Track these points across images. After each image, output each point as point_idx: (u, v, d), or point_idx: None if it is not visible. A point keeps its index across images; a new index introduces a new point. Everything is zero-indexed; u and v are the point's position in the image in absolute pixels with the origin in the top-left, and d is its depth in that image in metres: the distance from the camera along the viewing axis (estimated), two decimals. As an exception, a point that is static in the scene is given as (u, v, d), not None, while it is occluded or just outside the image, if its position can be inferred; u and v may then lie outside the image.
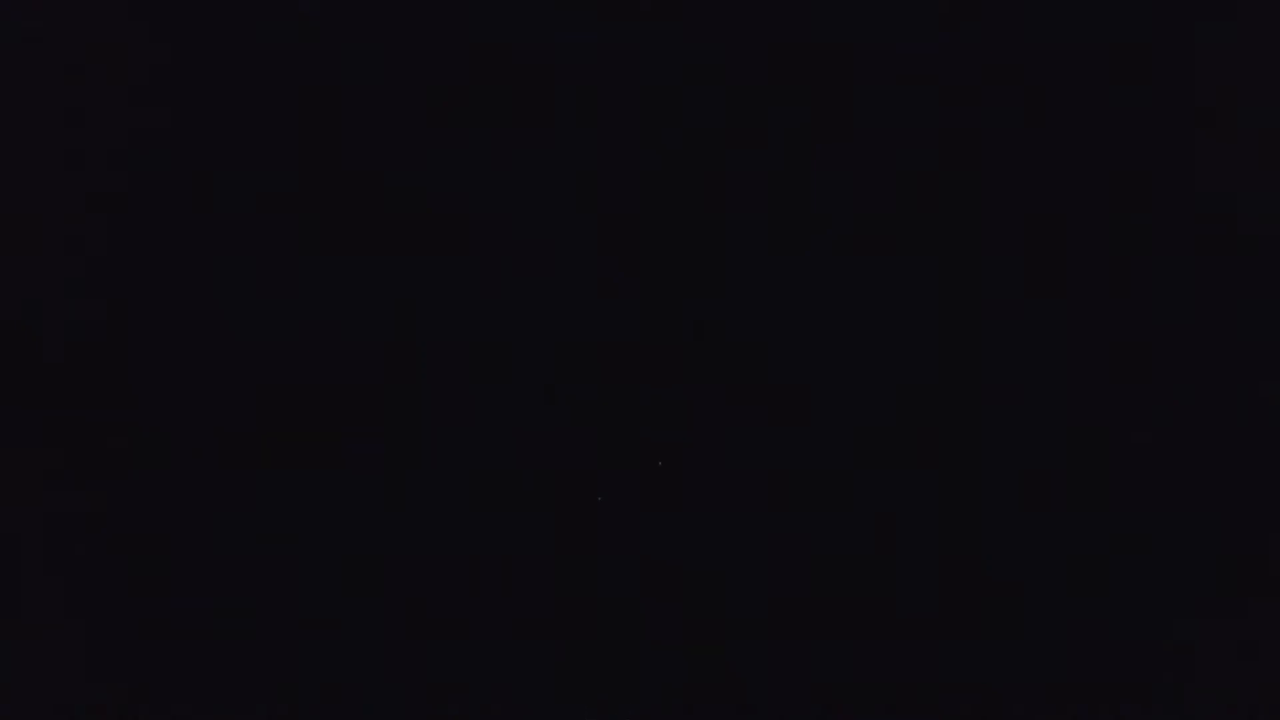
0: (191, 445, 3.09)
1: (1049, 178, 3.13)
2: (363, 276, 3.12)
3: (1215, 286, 3.11)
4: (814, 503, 3.10)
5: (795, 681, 3.07)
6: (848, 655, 3.07)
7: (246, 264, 3.12)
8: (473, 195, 3.14)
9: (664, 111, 3.14)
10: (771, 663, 3.07)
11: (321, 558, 3.08)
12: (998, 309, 3.11)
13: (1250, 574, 3.07)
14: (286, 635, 3.07)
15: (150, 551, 3.08)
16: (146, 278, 3.12)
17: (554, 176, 3.14)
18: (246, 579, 3.08)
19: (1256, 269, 3.11)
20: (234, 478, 3.09)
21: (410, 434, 3.11)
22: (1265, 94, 3.14)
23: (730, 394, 3.12)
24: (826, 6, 3.15)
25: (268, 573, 3.08)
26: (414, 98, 3.14)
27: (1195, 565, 3.08)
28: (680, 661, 3.08)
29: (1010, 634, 3.06)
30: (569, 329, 3.13)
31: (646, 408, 3.12)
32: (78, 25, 3.15)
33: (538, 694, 3.07)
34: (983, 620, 3.07)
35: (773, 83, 3.14)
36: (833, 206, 3.14)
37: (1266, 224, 3.12)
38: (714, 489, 3.11)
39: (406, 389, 3.11)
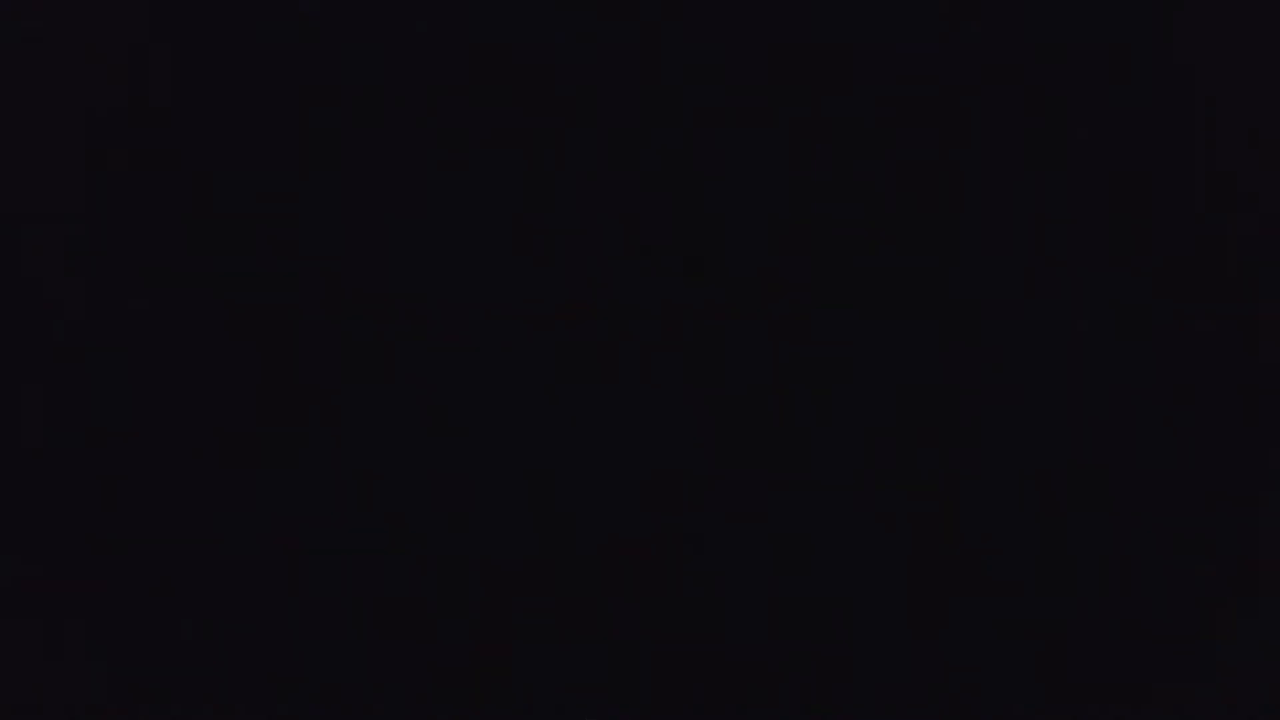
0: (191, 442, 3.11)
1: (1046, 179, 3.14)
2: (359, 274, 3.14)
3: (1215, 286, 3.12)
4: (813, 502, 3.11)
5: (795, 682, 3.08)
6: (847, 656, 3.08)
7: (240, 262, 3.13)
8: (464, 193, 3.16)
9: (662, 111, 3.16)
10: (770, 663, 3.08)
11: (316, 558, 3.09)
12: (996, 310, 3.12)
13: (1251, 574, 3.08)
14: (284, 636, 3.08)
15: (147, 548, 3.09)
16: (138, 273, 3.13)
17: (551, 177, 3.15)
18: (245, 579, 3.09)
19: (1258, 269, 3.12)
20: (232, 477, 3.10)
21: (408, 432, 3.12)
22: (1266, 94, 3.15)
23: (729, 394, 3.13)
24: (826, 7, 3.16)
25: (264, 573, 3.09)
26: (410, 96, 3.15)
27: (1197, 566, 3.08)
28: (680, 663, 3.09)
29: (1010, 635, 3.07)
30: (569, 330, 3.14)
31: (646, 407, 3.13)
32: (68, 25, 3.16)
33: (536, 694, 3.08)
34: (982, 621, 3.07)
35: (773, 82, 3.15)
36: (832, 207, 3.15)
37: (1268, 225, 3.13)
38: (713, 489, 3.12)
39: (403, 389, 3.12)
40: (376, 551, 3.10)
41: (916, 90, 3.14)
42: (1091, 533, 3.09)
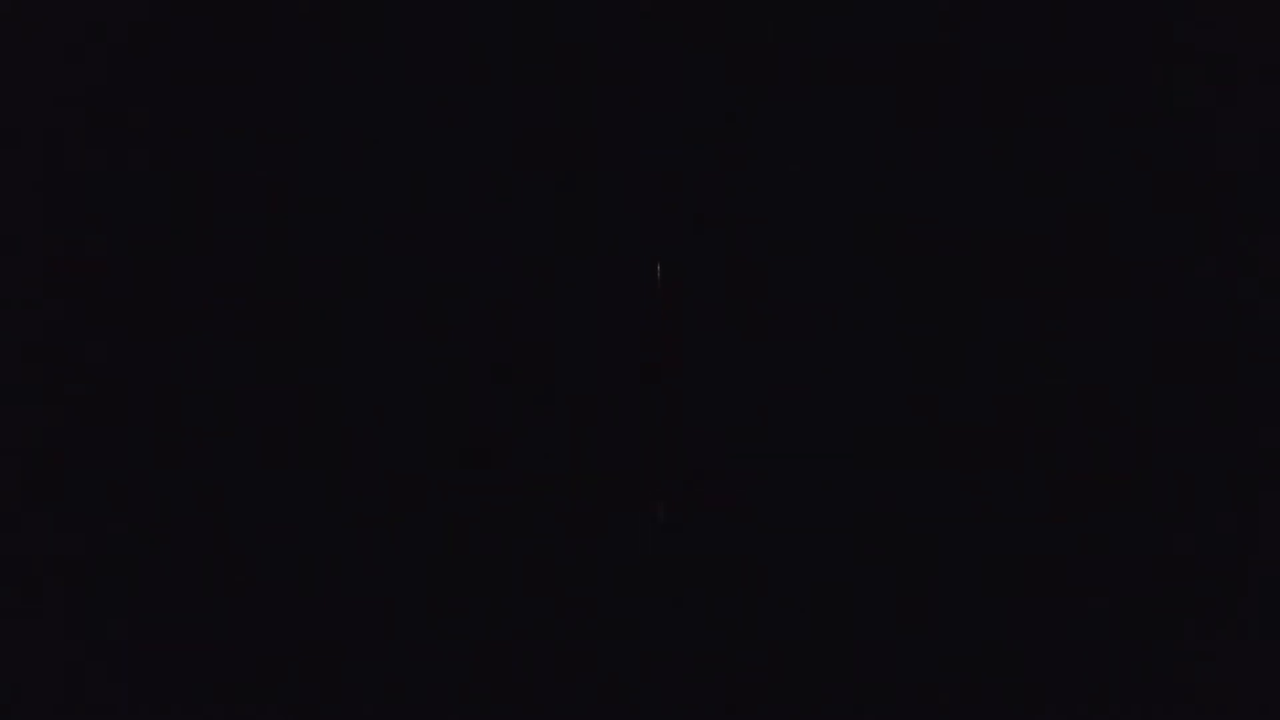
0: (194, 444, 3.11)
1: (1043, 183, 3.14)
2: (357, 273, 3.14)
3: (1215, 289, 3.12)
4: (813, 502, 3.12)
5: (794, 682, 3.08)
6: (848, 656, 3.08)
7: (235, 265, 3.14)
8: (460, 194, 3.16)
9: (665, 113, 3.16)
10: (771, 665, 3.09)
11: (315, 561, 3.10)
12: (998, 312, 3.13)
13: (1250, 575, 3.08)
14: (286, 637, 3.09)
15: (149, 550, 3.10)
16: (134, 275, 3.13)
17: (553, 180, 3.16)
18: (246, 582, 3.10)
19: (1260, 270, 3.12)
20: (233, 480, 3.11)
21: (409, 435, 3.12)
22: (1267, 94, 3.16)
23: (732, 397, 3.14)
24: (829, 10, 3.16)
25: (265, 574, 3.10)
26: (408, 101, 3.16)
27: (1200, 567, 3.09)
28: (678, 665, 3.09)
29: (1013, 636, 3.08)
30: (571, 333, 3.15)
31: (646, 409, 3.14)
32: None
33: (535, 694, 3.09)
34: (982, 622, 3.08)
35: (777, 81, 3.16)
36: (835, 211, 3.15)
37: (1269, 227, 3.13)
38: (713, 489, 3.13)
39: (405, 392, 3.13)
40: (376, 550, 3.11)
41: (916, 89, 3.15)
42: (1091, 533, 3.09)
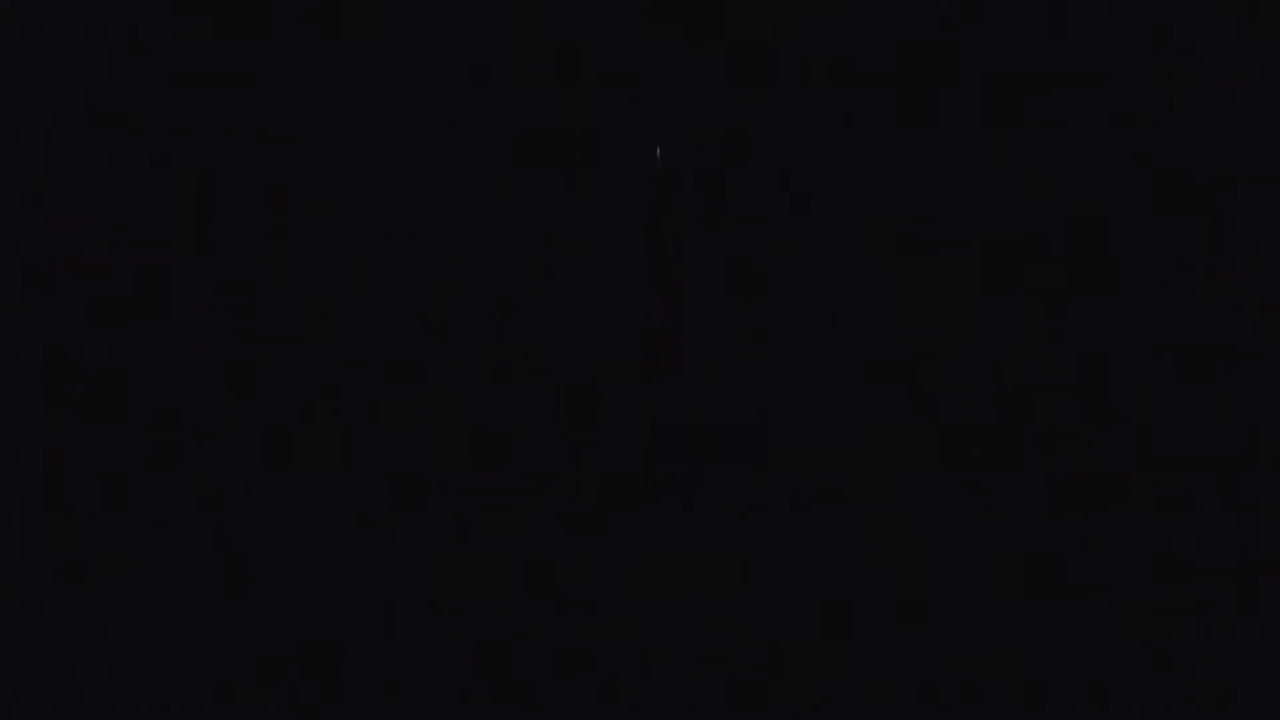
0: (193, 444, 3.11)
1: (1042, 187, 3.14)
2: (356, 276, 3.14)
3: (1217, 291, 3.12)
4: (812, 503, 3.11)
5: (794, 681, 3.08)
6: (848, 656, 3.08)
7: (240, 266, 3.13)
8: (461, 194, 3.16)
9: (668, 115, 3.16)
10: (770, 663, 3.08)
11: (316, 562, 3.10)
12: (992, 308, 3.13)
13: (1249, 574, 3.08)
14: (290, 636, 3.09)
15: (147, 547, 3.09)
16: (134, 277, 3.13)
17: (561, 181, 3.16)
18: (248, 582, 3.10)
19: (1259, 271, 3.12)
20: (234, 480, 3.11)
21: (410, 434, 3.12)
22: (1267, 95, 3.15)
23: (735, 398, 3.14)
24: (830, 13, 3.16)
25: (265, 574, 3.09)
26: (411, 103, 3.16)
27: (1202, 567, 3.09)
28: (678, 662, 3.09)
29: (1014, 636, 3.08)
30: (571, 333, 3.14)
31: (647, 408, 3.14)
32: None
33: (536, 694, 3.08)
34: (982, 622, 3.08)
35: (780, 84, 3.16)
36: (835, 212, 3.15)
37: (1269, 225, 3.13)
38: (716, 488, 3.12)
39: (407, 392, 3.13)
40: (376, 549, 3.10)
41: (916, 89, 3.14)
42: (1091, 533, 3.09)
